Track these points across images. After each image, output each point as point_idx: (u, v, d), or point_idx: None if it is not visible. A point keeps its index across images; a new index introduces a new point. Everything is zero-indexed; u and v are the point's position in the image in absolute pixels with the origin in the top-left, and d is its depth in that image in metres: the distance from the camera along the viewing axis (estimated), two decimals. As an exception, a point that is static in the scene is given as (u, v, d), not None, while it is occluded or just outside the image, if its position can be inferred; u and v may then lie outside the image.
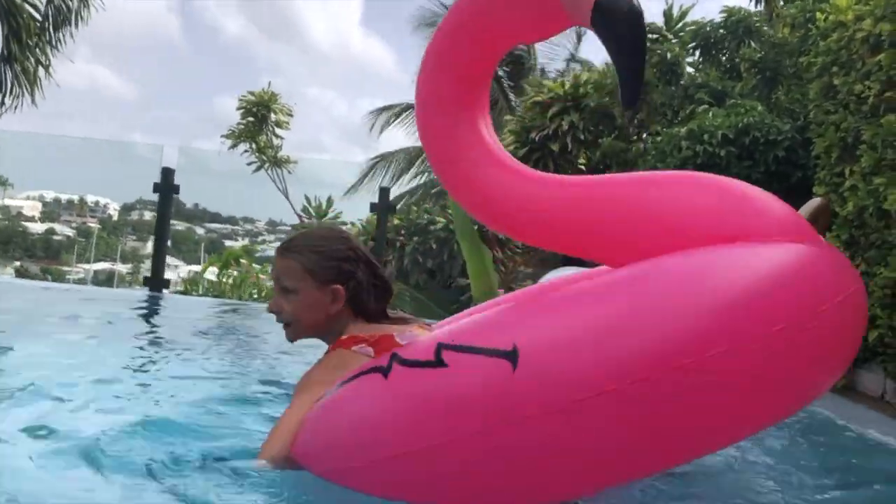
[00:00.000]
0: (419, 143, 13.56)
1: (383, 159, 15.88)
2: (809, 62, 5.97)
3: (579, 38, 15.76)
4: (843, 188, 5.27)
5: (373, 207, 7.56)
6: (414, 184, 15.78)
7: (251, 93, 11.39)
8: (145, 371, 3.06)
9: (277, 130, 11.43)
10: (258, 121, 11.28)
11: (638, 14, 1.60)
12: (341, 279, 1.89)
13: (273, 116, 11.33)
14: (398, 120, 16.39)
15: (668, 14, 9.24)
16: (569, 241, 1.90)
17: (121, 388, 2.58)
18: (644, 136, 8.53)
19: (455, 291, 10.43)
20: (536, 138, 8.85)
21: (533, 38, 2.06)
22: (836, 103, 5.48)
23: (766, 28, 7.74)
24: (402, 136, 15.66)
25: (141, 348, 3.60)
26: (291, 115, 11.57)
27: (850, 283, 1.62)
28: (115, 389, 2.55)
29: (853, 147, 5.18)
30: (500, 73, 15.40)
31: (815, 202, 3.74)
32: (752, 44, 7.81)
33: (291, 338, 1.94)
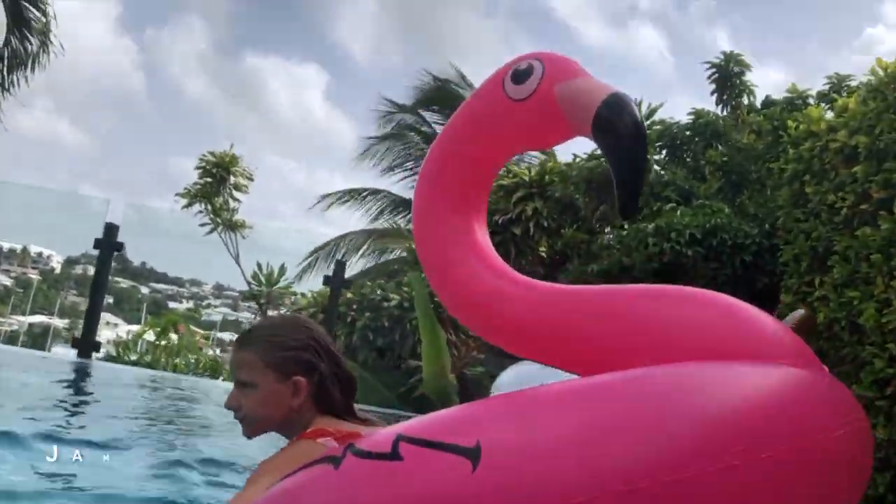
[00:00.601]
0: (373, 226, 13.32)
1: (341, 239, 15.58)
2: (780, 168, 5.95)
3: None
4: (812, 298, 5.16)
5: (326, 280, 7.27)
6: (370, 264, 15.47)
7: (212, 153, 11.14)
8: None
9: (235, 193, 11.15)
10: (216, 182, 11.00)
11: (638, 126, 1.58)
12: (302, 371, 1.75)
13: (232, 179, 11.06)
14: (353, 203, 16.13)
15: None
16: (559, 352, 1.76)
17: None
18: (606, 229, 8.45)
19: (404, 373, 10.08)
20: (500, 221, 8.73)
21: (534, 148, 2.04)
22: (807, 212, 5.42)
23: (733, 133, 7.79)
24: (358, 216, 15.39)
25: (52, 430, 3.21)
26: (251, 179, 11.33)
27: (848, 418, 1.45)
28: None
29: (824, 257, 5.09)
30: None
31: (798, 313, 3.58)
32: (720, 147, 7.85)
33: (248, 434, 1.76)
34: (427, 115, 15.05)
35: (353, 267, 15.34)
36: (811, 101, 7.52)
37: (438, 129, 15.21)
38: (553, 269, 8.19)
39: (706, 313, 1.60)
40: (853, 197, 4.74)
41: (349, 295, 9.94)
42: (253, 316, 16.22)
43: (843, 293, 4.74)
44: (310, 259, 14.88)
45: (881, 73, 4.75)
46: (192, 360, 8.05)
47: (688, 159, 8.34)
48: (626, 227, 6.85)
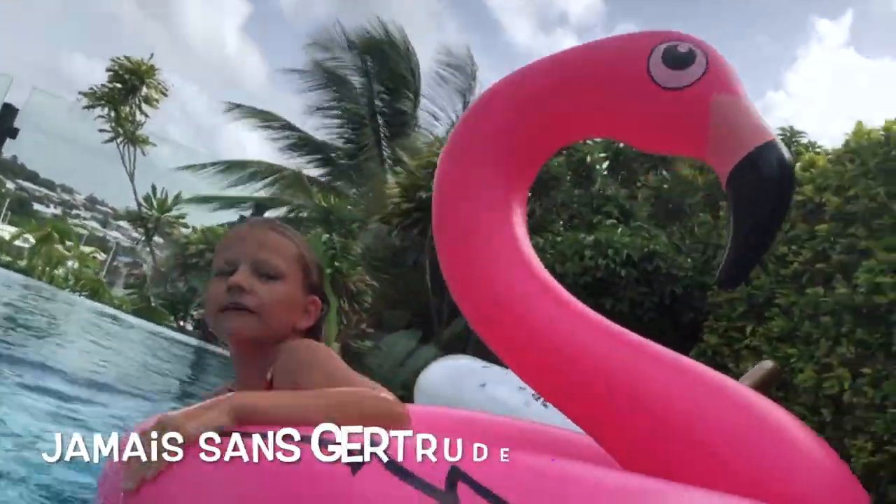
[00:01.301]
0: (277, 161, 12.34)
1: (243, 165, 14.56)
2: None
3: (465, 104, 15.42)
4: (740, 345, 5.09)
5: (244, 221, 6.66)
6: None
7: (128, 58, 10.19)
8: None
9: (145, 106, 10.26)
10: (126, 89, 10.07)
11: (786, 192, 1.32)
12: (319, 294, 1.43)
13: (144, 90, 10.17)
14: (262, 129, 15.06)
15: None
16: (573, 402, 1.51)
17: None
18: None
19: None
20: (425, 197, 8.40)
21: (636, 144, 1.66)
22: (751, 258, 5.36)
23: (678, 162, 7.71)
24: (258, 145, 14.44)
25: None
26: (165, 95, 10.44)
27: None
28: None
29: (763, 307, 5.03)
30: (380, 120, 14.80)
31: (767, 364, 3.43)
32: (664, 172, 7.78)
33: (239, 329, 1.31)
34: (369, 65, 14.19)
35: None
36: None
37: (376, 83, 14.44)
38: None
39: (753, 430, 1.35)
40: (810, 254, 4.67)
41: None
42: (136, 242, 15.20)
43: (778, 348, 4.67)
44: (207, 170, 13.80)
45: (862, 138, 4.68)
46: (72, 277, 7.23)
47: (620, 177, 8.23)
48: (560, 233, 6.65)
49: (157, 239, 11.05)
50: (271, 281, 1.33)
